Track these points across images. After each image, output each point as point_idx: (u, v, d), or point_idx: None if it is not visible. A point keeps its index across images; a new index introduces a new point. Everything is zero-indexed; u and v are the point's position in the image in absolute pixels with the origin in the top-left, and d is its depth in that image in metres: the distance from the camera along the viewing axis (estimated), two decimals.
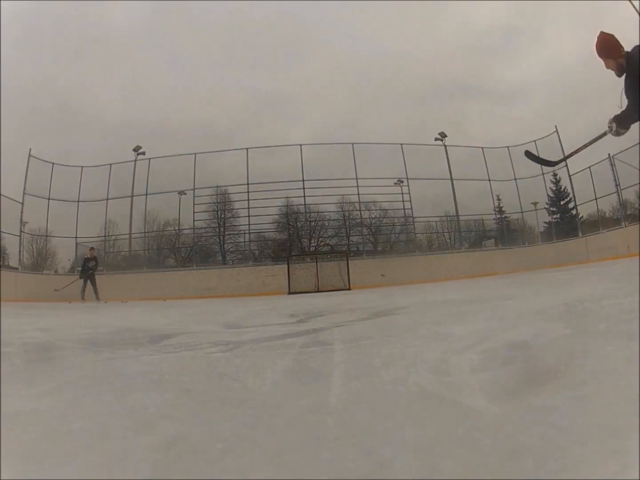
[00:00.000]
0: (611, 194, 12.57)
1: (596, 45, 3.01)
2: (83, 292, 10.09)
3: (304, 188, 13.83)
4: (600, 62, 3.01)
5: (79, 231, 13.70)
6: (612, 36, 2.97)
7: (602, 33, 3.00)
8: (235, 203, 15.07)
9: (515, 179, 14.36)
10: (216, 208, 15.53)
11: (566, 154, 3.12)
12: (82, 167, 13.92)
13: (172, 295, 10.46)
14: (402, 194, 14.44)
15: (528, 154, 3.47)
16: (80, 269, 10.40)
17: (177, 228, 15.14)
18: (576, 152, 3.12)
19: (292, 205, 15.34)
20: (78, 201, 13.59)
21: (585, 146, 3.12)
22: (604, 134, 3.04)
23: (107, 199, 13.86)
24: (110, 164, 14.01)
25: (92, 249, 11.33)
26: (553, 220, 15.45)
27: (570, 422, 0.45)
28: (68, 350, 1.51)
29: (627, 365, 0.64)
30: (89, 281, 10.30)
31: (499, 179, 14.58)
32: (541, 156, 3.22)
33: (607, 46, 2.97)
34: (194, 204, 13.94)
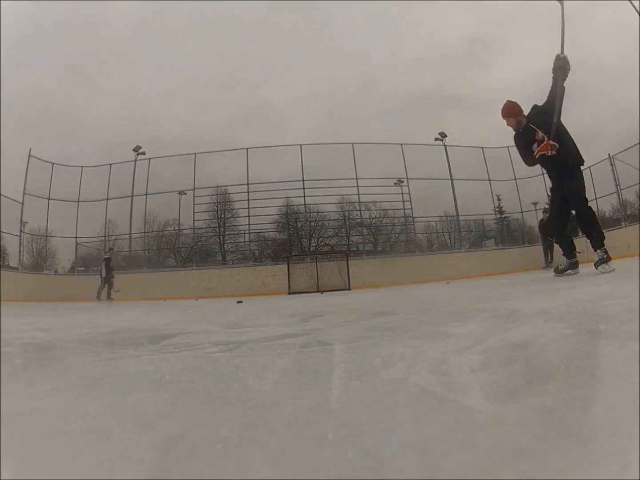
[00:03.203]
0: (611, 194, 12.58)
1: (502, 109, 3.99)
2: (100, 292, 10.28)
3: (304, 188, 13.84)
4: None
5: (79, 231, 13.72)
6: (516, 102, 3.97)
7: (508, 101, 3.98)
8: (235, 203, 15.09)
9: (515, 179, 14.37)
10: (216, 208, 15.54)
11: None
12: (82, 167, 13.93)
13: (172, 295, 10.47)
14: (402, 194, 14.45)
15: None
16: (103, 269, 10.53)
17: (177, 228, 15.15)
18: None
19: (292, 205, 15.35)
20: (78, 201, 13.60)
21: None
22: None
23: (107, 199, 13.87)
24: (110, 164, 14.02)
25: (111, 249, 11.51)
26: None
27: (570, 422, 0.45)
28: (68, 350, 1.51)
29: (627, 365, 0.64)
30: (102, 278, 10.49)
31: (499, 179, 14.60)
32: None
33: (510, 109, 3.95)
34: (194, 204, 13.95)
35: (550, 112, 3.67)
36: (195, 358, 1.10)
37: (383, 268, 12.13)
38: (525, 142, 3.90)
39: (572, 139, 3.81)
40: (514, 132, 3.99)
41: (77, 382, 0.87)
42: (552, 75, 3.66)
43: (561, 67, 3.57)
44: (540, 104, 3.87)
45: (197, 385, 0.81)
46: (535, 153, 3.81)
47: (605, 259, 3.54)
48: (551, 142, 3.73)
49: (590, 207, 3.88)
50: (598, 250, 3.61)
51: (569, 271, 4.00)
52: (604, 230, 3.92)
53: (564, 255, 4.05)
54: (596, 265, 3.59)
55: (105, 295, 10.17)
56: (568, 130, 3.81)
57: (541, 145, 3.77)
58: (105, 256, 10.72)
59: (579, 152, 3.81)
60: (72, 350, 1.47)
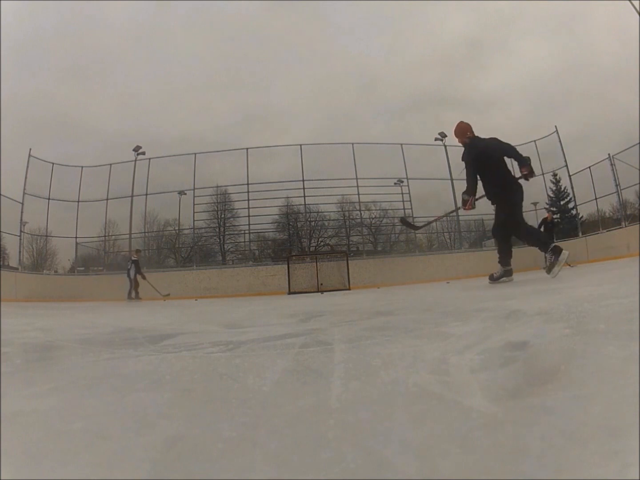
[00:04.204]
0: (611, 194, 12.57)
1: (454, 130, 4.36)
2: (131, 292, 10.38)
3: (304, 188, 13.82)
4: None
5: (79, 231, 13.71)
6: (467, 124, 4.31)
7: (460, 122, 4.34)
8: (235, 203, 15.07)
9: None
10: (216, 208, 15.53)
11: (429, 221, 4.49)
12: (82, 167, 13.92)
13: (172, 295, 10.46)
14: (402, 194, 14.44)
15: (403, 220, 6.07)
16: (132, 270, 10.58)
17: (177, 228, 15.15)
18: (435, 220, 4.28)
19: (292, 205, 15.34)
20: (78, 201, 13.59)
21: (440, 218, 4.35)
22: (458, 208, 4.39)
23: (107, 199, 13.86)
24: (110, 164, 14.01)
25: (138, 250, 11.55)
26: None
27: (570, 422, 0.45)
28: (68, 350, 1.51)
29: (627, 365, 0.64)
30: (130, 279, 10.58)
31: None
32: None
33: (460, 130, 4.30)
34: (194, 204, 13.94)
35: (490, 154, 4.09)
36: (195, 358, 1.10)
37: (383, 268, 12.12)
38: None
39: (503, 175, 4.13)
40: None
41: (77, 382, 0.87)
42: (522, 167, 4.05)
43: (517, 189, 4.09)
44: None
45: (197, 385, 0.81)
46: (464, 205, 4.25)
47: (554, 261, 3.66)
48: (473, 206, 4.17)
49: (518, 225, 4.10)
50: (546, 254, 3.79)
51: (503, 279, 4.17)
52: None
53: (499, 262, 4.22)
54: (547, 271, 3.74)
55: (134, 294, 10.29)
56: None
57: (466, 204, 4.19)
58: (134, 258, 10.74)
59: (506, 184, 4.12)
60: (72, 350, 1.47)
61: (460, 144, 4.38)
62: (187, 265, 14.26)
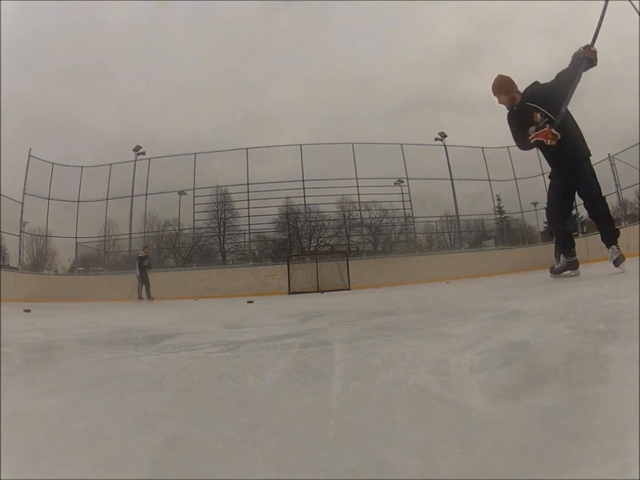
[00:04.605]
0: (611, 193, 12.58)
1: (492, 85, 3.54)
2: (140, 291, 10.37)
3: (304, 188, 13.84)
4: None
5: (79, 231, 13.71)
6: (508, 77, 3.54)
7: (499, 75, 3.55)
8: (235, 203, 15.08)
9: (515, 179, 14.35)
10: (216, 208, 15.53)
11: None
12: (82, 167, 13.93)
13: (172, 295, 10.47)
14: (402, 194, 14.45)
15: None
16: (138, 269, 10.58)
17: (177, 228, 15.15)
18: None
19: (292, 205, 15.35)
20: (78, 201, 13.59)
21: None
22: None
23: (107, 199, 13.87)
24: (110, 164, 14.02)
25: (145, 247, 11.56)
26: None
27: (570, 422, 0.45)
28: (68, 350, 1.51)
29: (627, 365, 0.64)
30: (138, 279, 10.58)
31: (499, 179, 14.59)
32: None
33: (502, 85, 3.50)
34: (194, 204, 13.94)
35: (556, 95, 3.25)
36: (195, 358, 1.10)
37: (383, 268, 12.13)
38: (520, 122, 3.44)
39: (578, 129, 3.38)
40: (507, 111, 3.55)
41: (77, 382, 0.87)
42: (570, 60, 3.28)
43: (588, 60, 3.17)
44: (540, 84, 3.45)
45: (197, 385, 0.81)
46: (530, 138, 3.34)
47: (622, 257, 3.19)
48: (554, 130, 3.23)
49: (603, 197, 3.42)
50: (614, 247, 3.27)
51: (567, 272, 3.59)
52: None
53: (561, 253, 3.59)
54: (616, 264, 3.20)
55: (146, 295, 10.27)
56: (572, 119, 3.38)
57: (540, 131, 3.28)
58: (140, 255, 10.73)
59: (585, 144, 3.39)
60: (72, 350, 1.47)
61: (505, 104, 3.51)
62: (187, 265, 14.27)
